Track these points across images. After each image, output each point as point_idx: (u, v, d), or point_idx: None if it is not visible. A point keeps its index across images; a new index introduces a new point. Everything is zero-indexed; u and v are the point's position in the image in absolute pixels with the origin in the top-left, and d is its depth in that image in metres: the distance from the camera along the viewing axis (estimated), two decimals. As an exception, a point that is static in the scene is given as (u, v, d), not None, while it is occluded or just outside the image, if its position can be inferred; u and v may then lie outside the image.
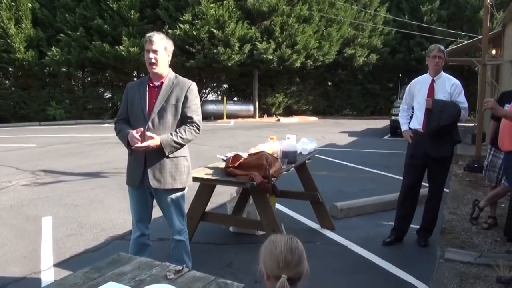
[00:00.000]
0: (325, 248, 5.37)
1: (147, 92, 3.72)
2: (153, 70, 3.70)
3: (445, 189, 5.98)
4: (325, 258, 5.01)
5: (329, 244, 5.51)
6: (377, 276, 4.64)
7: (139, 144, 3.53)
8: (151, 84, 3.76)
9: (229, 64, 23.16)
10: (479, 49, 12.78)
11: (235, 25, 22.87)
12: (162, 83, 3.74)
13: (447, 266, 4.80)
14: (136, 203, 3.87)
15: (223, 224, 5.85)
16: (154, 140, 3.58)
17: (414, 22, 27.33)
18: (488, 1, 11.45)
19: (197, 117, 3.80)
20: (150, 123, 3.67)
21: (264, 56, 23.72)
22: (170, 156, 3.73)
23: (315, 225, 6.10)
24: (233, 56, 22.87)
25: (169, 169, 3.76)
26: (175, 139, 3.67)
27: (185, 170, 3.89)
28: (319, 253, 5.19)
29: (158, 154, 3.68)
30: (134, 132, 3.56)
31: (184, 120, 3.76)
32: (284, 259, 1.88)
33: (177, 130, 3.72)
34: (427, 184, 5.54)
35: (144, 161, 3.72)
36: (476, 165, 9.51)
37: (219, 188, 5.81)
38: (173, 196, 3.83)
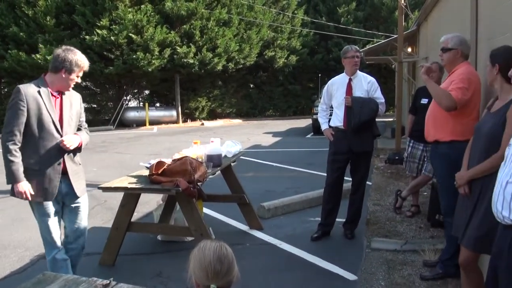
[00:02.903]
0: (254, 249, 5.40)
1: (53, 102, 3.61)
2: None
3: (368, 182, 6.20)
4: (255, 259, 5.04)
5: (258, 244, 5.55)
6: (307, 271, 4.71)
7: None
8: (52, 93, 3.63)
9: (150, 70, 22.79)
10: (395, 48, 13.31)
11: (154, 29, 22.56)
12: (62, 93, 3.69)
13: (374, 255, 5.00)
14: (57, 216, 3.78)
15: (151, 233, 5.73)
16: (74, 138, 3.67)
17: (331, 24, 28.15)
18: (403, 2, 12.00)
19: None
20: (63, 135, 3.62)
21: (185, 60, 23.56)
22: (79, 163, 3.85)
23: (243, 227, 6.12)
24: (153, 61, 22.53)
25: (81, 175, 3.88)
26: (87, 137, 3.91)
27: None
28: (249, 254, 5.21)
29: (74, 163, 3.76)
30: None
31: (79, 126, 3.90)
32: (213, 269, 1.85)
33: (81, 130, 3.89)
34: (351, 179, 5.73)
35: (62, 172, 3.67)
36: (396, 158, 9.93)
37: (144, 197, 5.71)
38: (86, 201, 3.97)
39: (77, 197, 3.81)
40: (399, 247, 5.17)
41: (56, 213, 3.74)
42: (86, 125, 3.98)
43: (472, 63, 4.75)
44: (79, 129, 3.85)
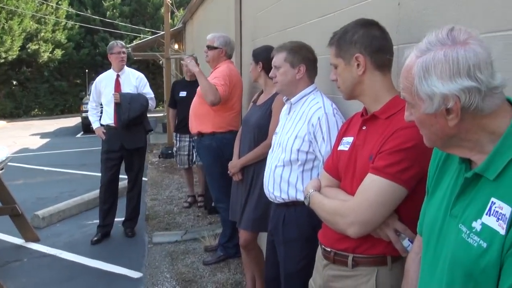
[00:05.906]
0: (33, 263, 5.07)
1: None
2: None
3: (144, 178, 6.27)
4: (35, 274, 4.75)
5: (36, 258, 5.20)
6: (91, 277, 4.61)
7: None
8: None
9: None
10: (162, 44, 13.50)
11: None
12: None
13: (157, 249, 5.13)
14: None
15: None
16: None
17: (97, 17, 27.28)
18: (168, -1, 12.23)
19: None
20: None
21: None
22: None
23: (18, 240, 5.64)
24: None
25: None
26: None
27: None
28: (27, 269, 4.89)
29: None
30: None
31: None
32: None
33: None
34: (126, 176, 5.73)
35: None
36: (170, 152, 10.19)
37: None
38: None
39: None
40: (179, 237, 5.39)
41: None
42: None
43: (238, 62, 5.17)
44: None
